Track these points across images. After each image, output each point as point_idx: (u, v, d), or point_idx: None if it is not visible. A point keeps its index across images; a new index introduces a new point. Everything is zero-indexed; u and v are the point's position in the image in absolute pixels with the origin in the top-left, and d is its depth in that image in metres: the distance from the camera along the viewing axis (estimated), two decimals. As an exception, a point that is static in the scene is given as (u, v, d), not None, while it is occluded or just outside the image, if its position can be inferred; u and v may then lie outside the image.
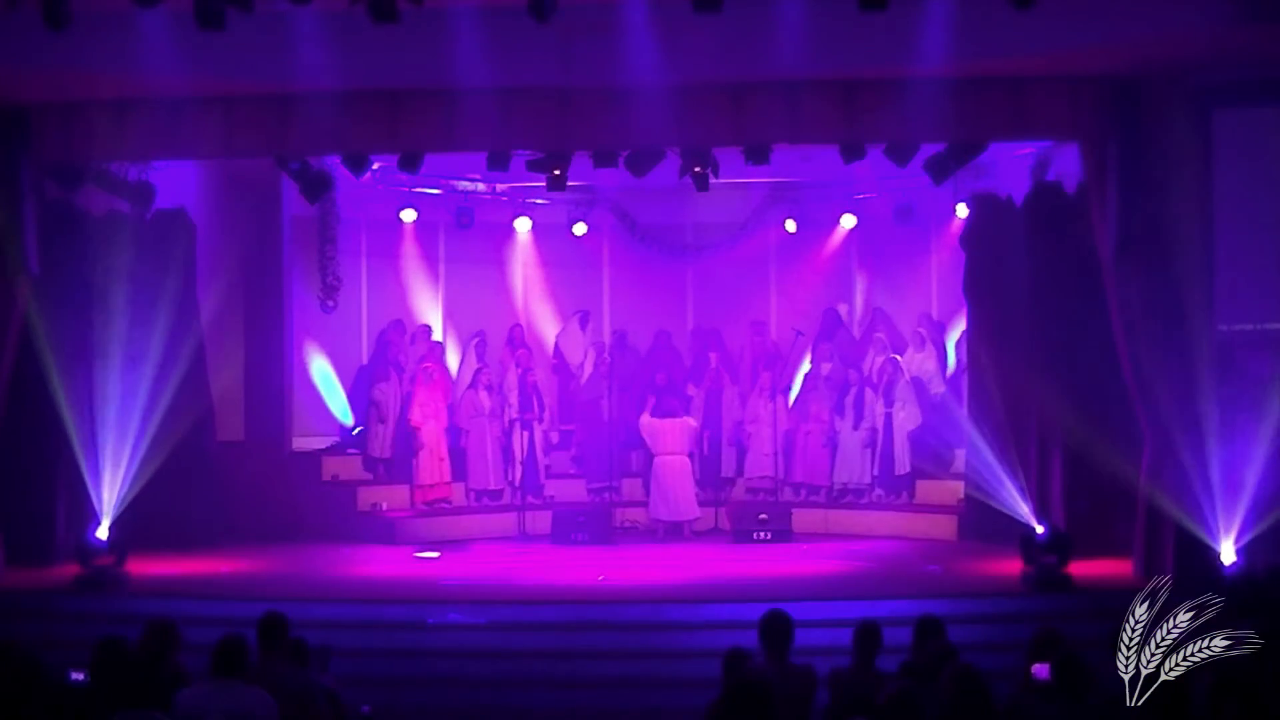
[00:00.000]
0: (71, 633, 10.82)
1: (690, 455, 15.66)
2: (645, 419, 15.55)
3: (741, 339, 17.44)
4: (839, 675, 7.23)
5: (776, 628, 7.08)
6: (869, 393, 15.76)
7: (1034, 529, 12.42)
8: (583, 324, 17.56)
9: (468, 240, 17.22)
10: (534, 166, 13.44)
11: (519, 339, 16.90)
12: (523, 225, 17.28)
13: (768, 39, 11.17)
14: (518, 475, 15.77)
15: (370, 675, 10.33)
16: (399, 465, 15.82)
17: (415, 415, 15.55)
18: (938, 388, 15.92)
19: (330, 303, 16.34)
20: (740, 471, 16.41)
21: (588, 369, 16.94)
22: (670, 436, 15.43)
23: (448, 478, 15.67)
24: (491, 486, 15.91)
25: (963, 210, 15.18)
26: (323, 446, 16.21)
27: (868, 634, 7.33)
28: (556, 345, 17.53)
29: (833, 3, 10.85)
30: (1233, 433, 11.94)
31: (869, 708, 6.17)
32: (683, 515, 15.40)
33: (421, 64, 11.47)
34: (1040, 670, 6.44)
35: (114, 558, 12.32)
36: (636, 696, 10.55)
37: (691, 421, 15.66)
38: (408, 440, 15.70)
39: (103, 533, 12.63)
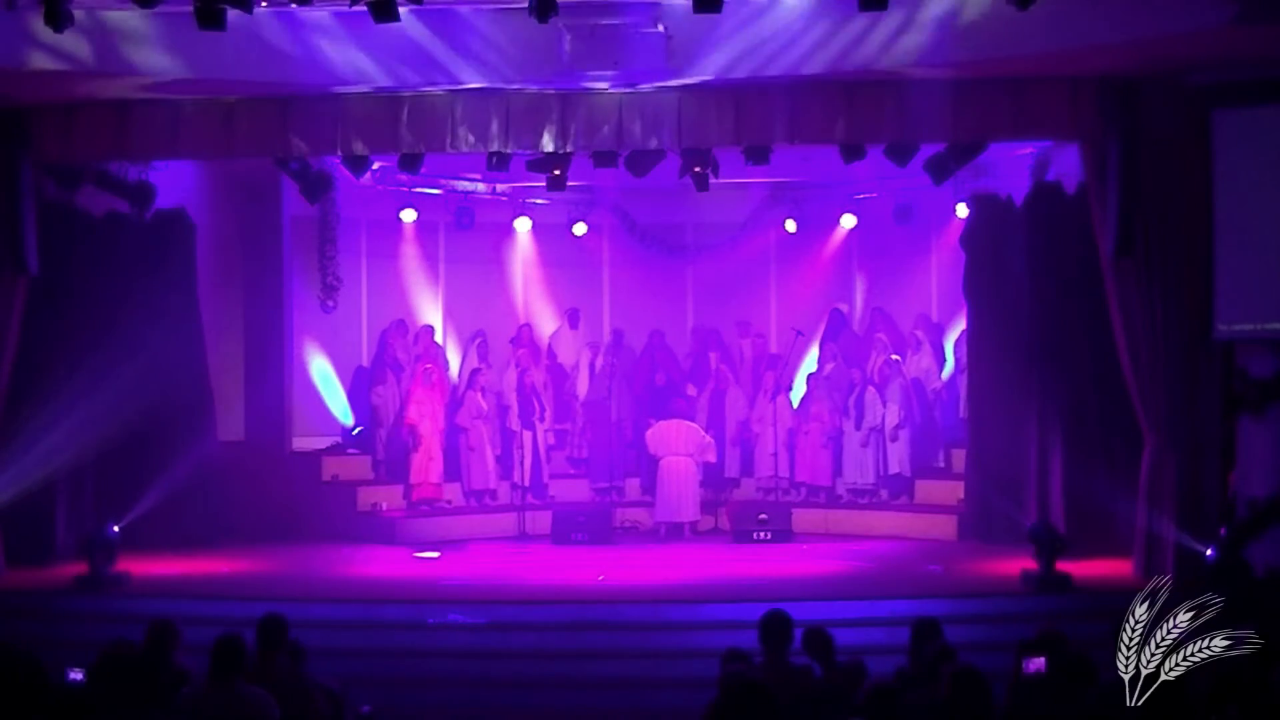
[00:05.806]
0: (71, 633, 10.86)
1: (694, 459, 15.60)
2: (650, 432, 15.57)
3: (740, 340, 17.44)
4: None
5: (776, 628, 7.09)
6: (872, 393, 15.74)
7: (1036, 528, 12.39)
8: (573, 323, 17.54)
9: (468, 240, 17.20)
10: (534, 166, 13.45)
11: (525, 339, 16.89)
12: (523, 225, 17.28)
13: (768, 39, 11.19)
14: (527, 476, 15.76)
15: (370, 675, 10.32)
16: (393, 465, 15.83)
17: (412, 413, 15.54)
18: (933, 384, 15.93)
19: (330, 303, 16.34)
20: (749, 472, 16.38)
21: (583, 368, 16.92)
22: (674, 437, 15.43)
23: (437, 478, 15.64)
24: (489, 486, 15.91)
25: (963, 210, 15.16)
26: (323, 446, 16.19)
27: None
28: (549, 346, 17.53)
29: (833, 3, 10.87)
30: (1233, 433, 11.94)
31: (853, 707, 6.14)
32: (684, 516, 15.39)
33: (421, 64, 11.48)
34: (1032, 664, 6.40)
35: (114, 558, 12.30)
36: (636, 696, 10.55)
37: (706, 437, 15.53)
38: (401, 439, 15.70)
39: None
